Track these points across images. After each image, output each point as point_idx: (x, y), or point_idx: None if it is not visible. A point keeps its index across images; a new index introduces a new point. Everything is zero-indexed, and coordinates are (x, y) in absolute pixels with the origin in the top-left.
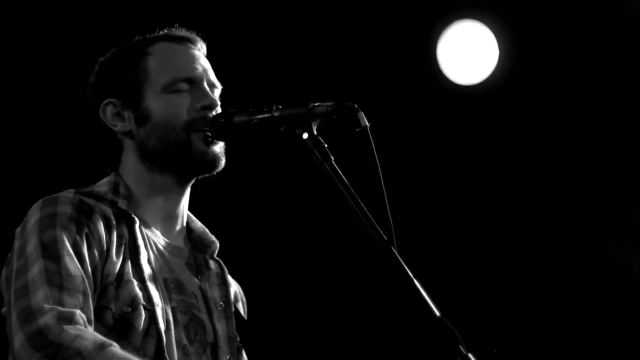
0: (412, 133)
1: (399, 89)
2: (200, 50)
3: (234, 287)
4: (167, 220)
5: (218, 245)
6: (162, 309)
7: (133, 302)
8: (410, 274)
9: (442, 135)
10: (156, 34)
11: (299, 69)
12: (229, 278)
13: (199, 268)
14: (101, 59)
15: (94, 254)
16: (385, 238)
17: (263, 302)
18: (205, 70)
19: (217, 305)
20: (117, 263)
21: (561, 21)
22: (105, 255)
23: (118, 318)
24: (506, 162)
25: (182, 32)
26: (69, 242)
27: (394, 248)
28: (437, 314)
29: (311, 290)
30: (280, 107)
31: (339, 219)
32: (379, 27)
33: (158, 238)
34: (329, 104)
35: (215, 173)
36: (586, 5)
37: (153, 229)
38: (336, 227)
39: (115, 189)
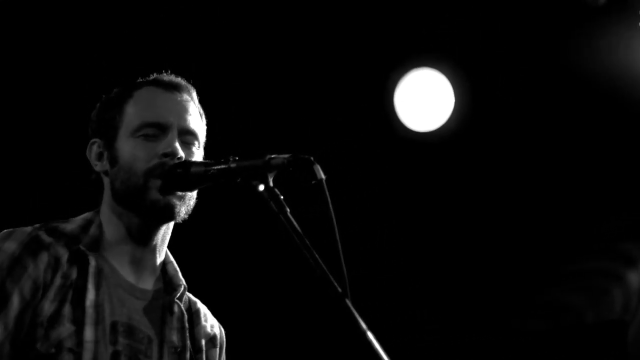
0: (370, 181)
1: (356, 138)
2: (185, 97)
3: (215, 330)
4: (134, 264)
5: (183, 288)
6: (96, 352)
7: (59, 345)
8: (364, 326)
9: (399, 182)
10: (148, 78)
11: (256, 120)
12: (209, 322)
13: (163, 311)
14: (104, 96)
15: (25, 295)
16: (340, 290)
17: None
18: (180, 117)
19: (172, 349)
20: (52, 304)
21: (514, 68)
22: (40, 296)
23: (40, 358)
24: (462, 208)
25: (170, 78)
26: None
27: (348, 300)
28: None
29: (270, 338)
30: (237, 158)
31: (295, 268)
32: (335, 76)
33: (121, 280)
34: (286, 156)
35: (177, 220)
36: (540, 53)
37: (119, 271)
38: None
39: (86, 227)
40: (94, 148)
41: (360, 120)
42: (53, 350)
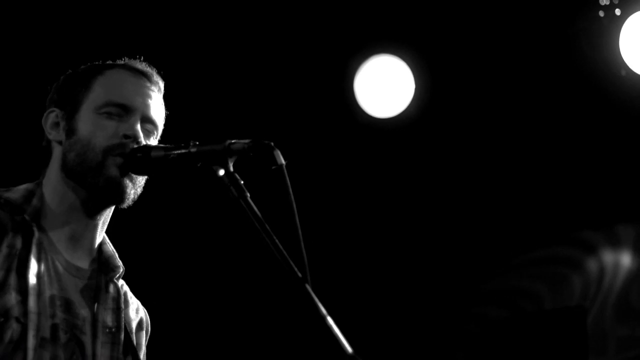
0: (330, 167)
1: (316, 124)
2: (153, 87)
3: (141, 314)
4: (73, 240)
5: (122, 270)
6: (38, 324)
7: (6, 313)
8: (323, 311)
9: (359, 168)
10: (118, 61)
11: (216, 106)
12: (135, 306)
13: (97, 291)
14: (69, 71)
15: None
16: (299, 274)
17: (168, 330)
18: (145, 105)
19: (106, 329)
20: (0, 272)
21: (474, 54)
22: None
23: None
24: (422, 193)
25: (141, 66)
26: None
27: (308, 284)
28: (349, 351)
29: (222, 323)
30: (197, 143)
31: (255, 253)
32: (297, 63)
33: (57, 255)
34: (246, 141)
35: (123, 205)
36: (499, 38)
37: (56, 245)
38: (252, 260)
39: (28, 197)
40: (51, 117)
41: (321, 106)
42: (1, 319)
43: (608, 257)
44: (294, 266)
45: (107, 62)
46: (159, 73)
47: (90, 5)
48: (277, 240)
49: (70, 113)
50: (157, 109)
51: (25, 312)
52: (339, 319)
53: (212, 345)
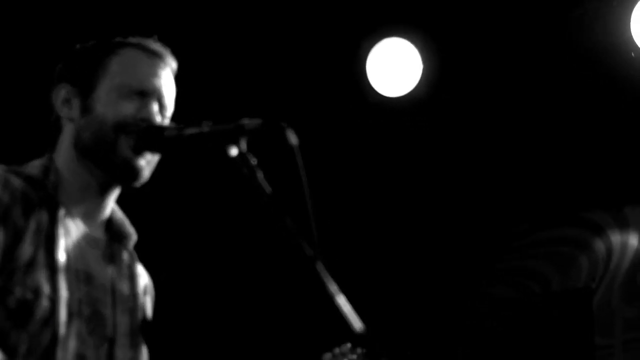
0: (342, 145)
1: (330, 103)
2: (167, 69)
3: (145, 280)
4: (89, 213)
5: (135, 237)
6: (67, 300)
7: (37, 291)
8: (333, 289)
9: (369, 147)
10: (131, 40)
11: (228, 86)
12: (139, 270)
13: (112, 259)
14: (79, 45)
15: (8, 235)
16: (311, 253)
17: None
18: (160, 87)
19: (124, 298)
20: (29, 249)
21: (481, 37)
22: (19, 239)
23: (19, 304)
24: (431, 171)
25: (155, 46)
26: None
27: (319, 263)
28: (359, 329)
29: (230, 297)
30: (210, 123)
31: (266, 232)
32: (310, 45)
33: (78, 227)
34: (258, 121)
35: (137, 185)
36: (507, 20)
37: (75, 217)
38: (261, 239)
39: (46, 172)
40: (62, 93)
41: (334, 85)
42: (31, 295)
43: (616, 238)
44: (305, 245)
45: (120, 40)
46: (171, 52)
47: None
48: (289, 220)
49: (85, 91)
50: (170, 90)
51: (55, 288)
52: (350, 297)
53: (221, 325)
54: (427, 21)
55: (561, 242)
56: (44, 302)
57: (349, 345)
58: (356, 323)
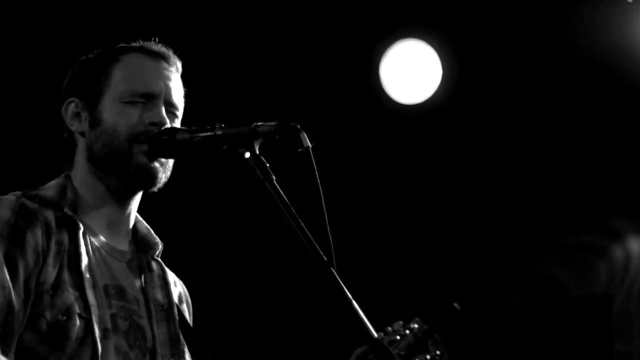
0: (355, 153)
1: (342, 109)
2: (172, 68)
3: (179, 288)
4: (112, 225)
5: (161, 246)
6: (100, 316)
7: (68, 311)
8: (349, 295)
9: (385, 154)
10: (134, 44)
11: (242, 89)
12: (173, 279)
13: (141, 270)
14: (84, 56)
15: (29, 261)
16: (325, 258)
17: (207, 306)
18: (167, 88)
19: (159, 307)
20: (53, 271)
21: (503, 39)
22: (42, 262)
23: (52, 326)
24: (449, 180)
25: (158, 48)
26: (2, 249)
27: (334, 269)
28: (374, 335)
29: (242, 302)
30: (223, 125)
31: (280, 237)
32: (321, 46)
33: (102, 243)
34: (272, 124)
35: (155, 189)
36: (528, 24)
37: (97, 233)
38: (277, 244)
39: (62, 192)
40: (71, 107)
41: (347, 90)
42: (63, 317)
43: (634, 244)
44: (319, 250)
45: (122, 46)
46: (175, 53)
47: None
48: (302, 224)
49: (92, 103)
50: (177, 90)
51: (86, 306)
52: (363, 304)
53: (233, 329)
54: (447, 21)
55: (580, 249)
56: (77, 322)
57: (401, 322)
58: (371, 330)
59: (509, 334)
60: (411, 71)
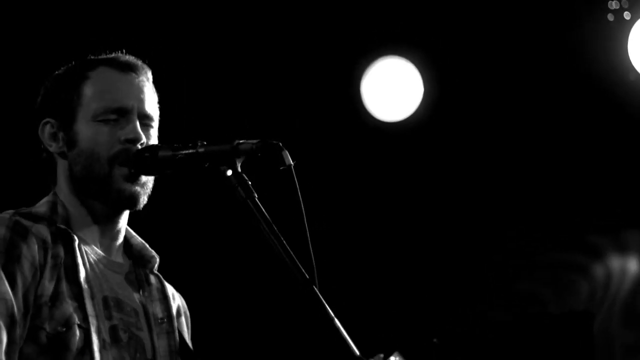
0: (336, 170)
1: (323, 126)
2: (143, 79)
3: (178, 301)
4: (105, 238)
5: (158, 259)
6: (98, 327)
7: (67, 322)
8: (331, 313)
9: (367, 172)
10: (103, 56)
11: (223, 107)
12: (171, 292)
13: (139, 284)
14: (55, 73)
15: (26, 275)
16: (307, 276)
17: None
18: (140, 101)
19: (158, 320)
20: (50, 284)
21: (485, 56)
22: (39, 276)
23: (52, 338)
24: (430, 198)
25: (127, 59)
26: (0, 263)
27: (316, 286)
28: (357, 353)
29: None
30: (205, 143)
31: (263, 254)
32: (302, 64)
33: (98, 255)
34: (254, 141)
35: (136, 209)
36: (510, 41)
37: (92, 246)
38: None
39: (53, 208)
40: (47, 128)
41: (328, 108)
42: (62, 328)
43: (615, 262)
44: (301, 268)
45: (90, 59)
46: (144, 62)
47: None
48: (284, 242)
49: (67, 124)
50: (151, 101)
51: (85, 316)
52: (346, 321)
53: (216, 347)
54: (428, 38)
55: (560, 266)
56: (77, 332)
57: (381, 356)
58: (354, 348)
59: (489, 351)
60: (392, 88)
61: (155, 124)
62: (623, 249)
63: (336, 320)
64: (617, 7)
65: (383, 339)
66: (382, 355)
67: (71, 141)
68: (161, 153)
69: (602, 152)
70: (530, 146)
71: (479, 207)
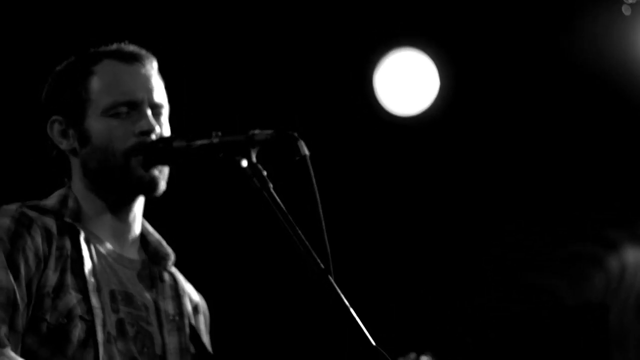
0: (350, 165)
1: (336, 120)
2: (149, 68)
3: (196, 299)
4: (117, 234)
5: (173, 257)
6: (103, 320)
7: (70, 314)
8: (347, 303)
9: (381, 166)
10: (105, 48)
11: (238, 98)
12: (188, 290)
13: (152, 280)
14: (57, 68)
15: (30, 265)
16: (323, 266)
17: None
18: (149, 91)
19: (169, 317)
20: (54, 274)
21: (501, 48)
22: (43, 267)
23: (53, 329)
24: (445, 192)
25: (131, 49)
26: (3, 253)
27: (331, 276)
28: (372, 342)
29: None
30: (219, 133)
31: (277, 244)
32: (315, 56)
33: (108, 250)
34: (269, 131)
35: (156, 195)
36: (526, 34)
37: (104, 241)
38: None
39: (63, 201)
40: (56, 126)
41: (341, 101)
42: (64, 320)
43: (630, 255)
44: (317, 258)
45: (94, 52)
46: (148, 51)
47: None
48: (300, 232)
49: (76, 120)
50: (158, 89)
51: (89, 309)
52: (361, 311)
53: (232, 338)
54: (444, 30)
55: (575, 259)
56: (79, 324)
57: (413, 355)
58: (369, 337)
59: (504, 343)
60: (407, 81)
61: (166, 110)
62: (638, 241)
63: (352, 310)
64: (634, 2)
65: (397, 328)
66: (413, 355)
67: (83, 137)
68: (176, 143)
69: (619, 146)
70: (547, 140)
71: (496, 199)
